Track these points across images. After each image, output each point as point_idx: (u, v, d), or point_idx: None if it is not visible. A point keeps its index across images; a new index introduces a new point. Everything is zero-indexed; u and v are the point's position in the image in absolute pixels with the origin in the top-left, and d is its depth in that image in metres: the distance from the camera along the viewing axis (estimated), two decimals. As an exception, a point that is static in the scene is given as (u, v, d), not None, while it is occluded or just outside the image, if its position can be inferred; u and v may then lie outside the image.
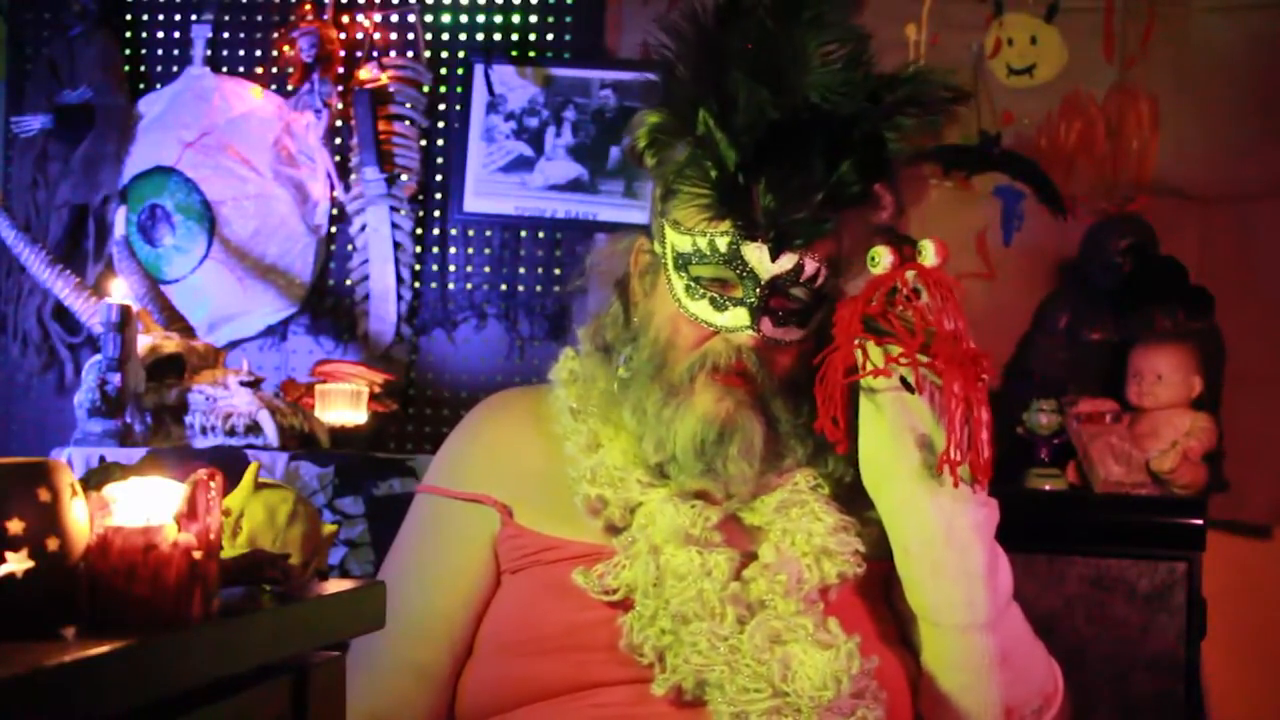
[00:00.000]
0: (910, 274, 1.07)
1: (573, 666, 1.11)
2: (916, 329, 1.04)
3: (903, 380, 1.06)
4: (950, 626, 1.09)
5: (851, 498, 1.15)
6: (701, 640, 1.05)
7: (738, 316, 1.13)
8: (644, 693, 1.08)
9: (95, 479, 0.72)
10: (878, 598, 1.17)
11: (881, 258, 1.08)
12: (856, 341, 1.07)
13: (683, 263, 1.15)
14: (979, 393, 1.04)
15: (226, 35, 3.11)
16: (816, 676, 1.03)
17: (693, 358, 1.15)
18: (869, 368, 1.06)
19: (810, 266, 1.12)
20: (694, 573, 1.09)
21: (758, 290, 1.12)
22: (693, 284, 1.15)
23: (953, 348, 1.03)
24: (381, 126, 2.95)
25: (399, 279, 2.96)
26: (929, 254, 1.07)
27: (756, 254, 1.12)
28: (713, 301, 1.14)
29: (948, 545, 1.07)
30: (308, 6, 3.01)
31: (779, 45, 1.12)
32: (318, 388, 2.62)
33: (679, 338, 1.16)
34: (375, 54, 3.00)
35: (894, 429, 1.07)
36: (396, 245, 2.96)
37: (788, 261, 1.12)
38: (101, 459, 2.09)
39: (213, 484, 0.67)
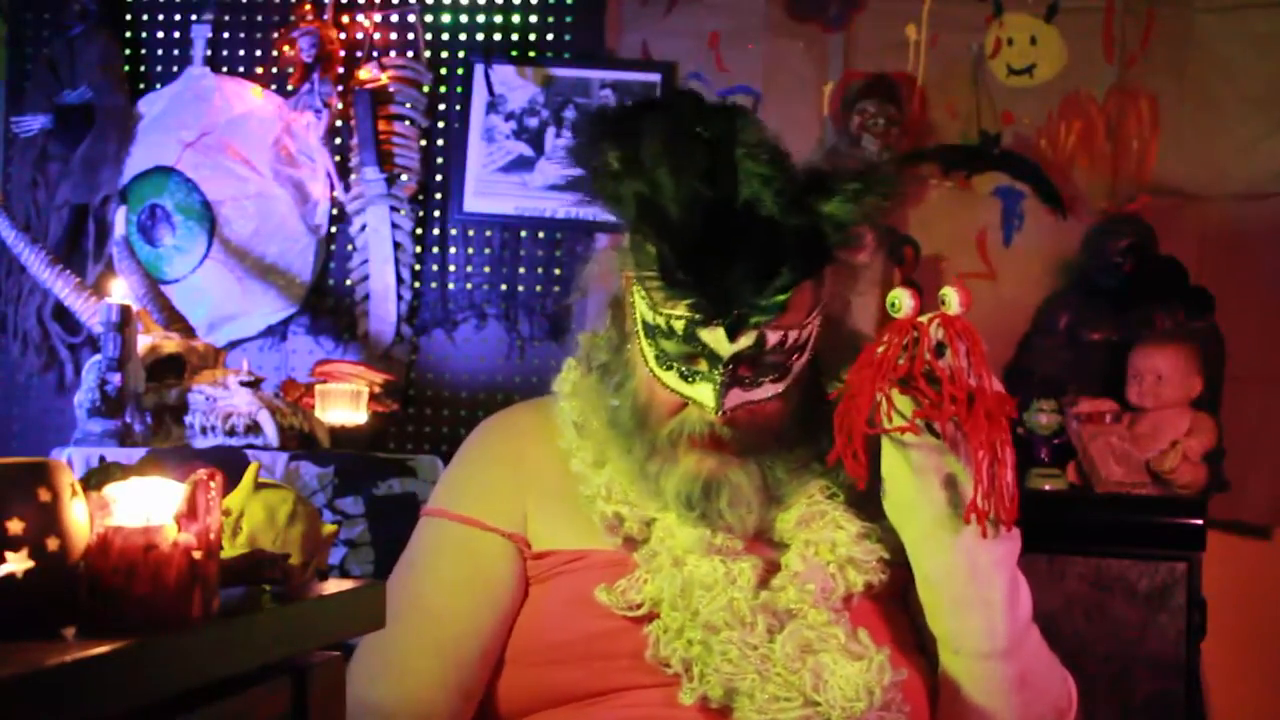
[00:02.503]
0: (934, 326, 1.04)
1: (597, 673, 1.11)
2: (945, 391, 1.02)
3: (928, 426, 1.04)
4: (970, 654, 1.09)
5: (869, 504, 1.15)
6: (732, 649, 1.05)
7: (704, 392, 1.11)
8: (672, 695, 1.08)
9: (95, 479, 0.72)
10: (895, 604, 1.17)
11: (902, 302, 1.05)
12: (879, 390, 1.05)
13: (650, 333, 1.14)
14: (1004, 433, 1.03)
15: (226, 35, 3.11)
16: (849, 687, 1.03)
17: (671, 425, 1.14)
18: (895, 420, 1.04)
19: (774, 337, 1.10)
20: (720, 582, 1.08)
21: (722, 367, 1.10)
22: (661, 354, 1.14)
23: (982, 405, 1.01)
24: (381, 126, 2.95)
25: (399, 279, 2.96)
26: (952, 303, 1.04)
27: (714, 336, 1.09)
28: (681, 374, 1.12)
29: (970, 580, 1.07)
30: (308, 6, 3.01)
31: (699, 142, 1.09)
32: (318, 388, 2.62)
33: (655, 400, 1.15)
34: (375, 54, 3.00)
35: (918, 471, 1.06)
36: (396, 245, 2.96)
37: (748, 339, 1.09)
38: (101, 459, 2.09)
39: (213, 484, 0.67)
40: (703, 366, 1.11)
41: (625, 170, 1.11)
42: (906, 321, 1.05)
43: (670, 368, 1.13)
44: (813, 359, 1.16)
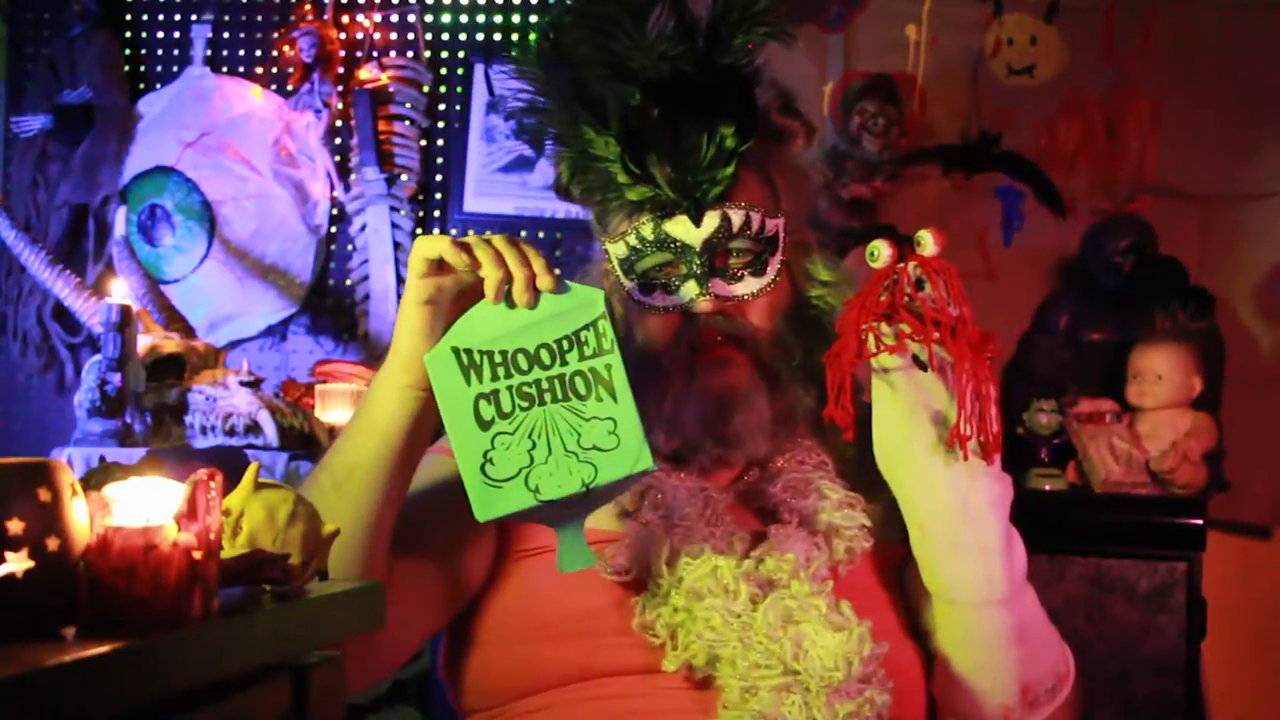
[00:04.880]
0: (912, 265, 1.06)
1: (583, 652, 1.11)
2: (927, 318, 1.04)
3: (915, 358, 1.06)
4: (967, 603, 1.10)
5: (857, 474, 1.17)
6: (715, 616, 1.06)
7: (689, 288, 1.18)
8: (654, 681, 1.09)
9: (95, 479, 0.72)
10: (890, 584, 1.18)
11: (880, 251, 1.08)
12: (865, 325, 1.07)
13: (628, 267, 1.21)
14: (987, 370, 1.04)
15: (226, 35, 3.11)
16: (828, 657, 1.04)
17: (671, 345, 1.19)
18: (884, 344, 1.07)
19: (737, 216, 1.18)
20: (707, 550, 1.10)
21: (698, 259, 1.17)
22: (643, 282, 1.21)
23: (962, 332, 1.04)
24: (381, 126, 2.95)
25: (399, 279, 2.96)
26: (928, 244, 1.06)
27: (681, 227, 1.17)
28: (664, 288, 1.20)
29: (965, 520, 1.07)
30: (308, 6, 3.01)
31: (610, 34, 1.18)
32: (318, 388, 2.62)
33: (652, 334, 1.20)
34: (375, 54, 3.00)
35: (909, 407, 1.07)
36: (396, 245, 2.96)
37: (712, 220, 1.17)
38: (101, 459, 2.09)
39: (213, 484, 0.67)
40: (683, 269, 1.19)
41: (562, 101, 1.20)
42: (885, 269, 1.07)
43: (654, 289, 1.20)
44: (789, 274, 1.23)
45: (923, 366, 1.06)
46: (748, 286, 1.19)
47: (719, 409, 1.17)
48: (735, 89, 1.19)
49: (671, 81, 1.16)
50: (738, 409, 1.17)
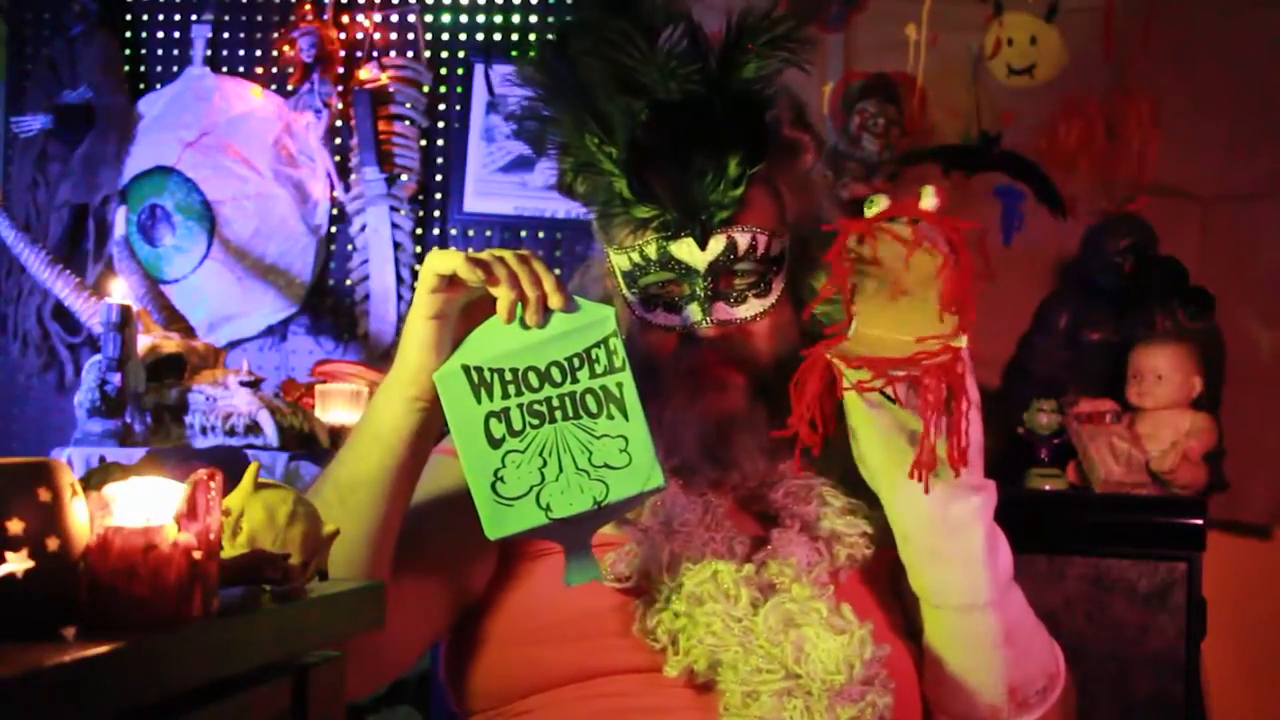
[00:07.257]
0: (904, 216, 1.06)
1: (584, 654, 1.12)
2: (912, 240, 1.03)
3: (882, 393, 1.06)
4: (952, 608, 1.10)
5: (857, 481, 1.16)
6: (716, 621, 1.06)
7: (692, 312, 1.17)
8: (655, 681, 1.09)
9: (95, 479, 0.72)
10: (886, 587, 1.19)
11: (879, 201, 1.07)
12: (829, 355, 1.07)
13: (630, 280, 1.19)
14: (960, 382, 1.04)
15: (226, 35, 3.11)
16: (830, 660, 1.04)
17: (670, 364, 1.18)
18: (846, 387, 1.06)
19: (743, 240, 1.16)
20: (707, 556, 1.10)
21: (701, 281, 1.16)
22: (646, 297, 1.19)
23: (953, 270, 1.03)
24: (381, 126, 2.95)
25: (399, 279, 2.96)
26: (928, 197, 1.06)
27: (686, 249, 1.15)
28: (667, 305, 1.18)
29: (946, 531, 1.07)
30: (308, 6, 3.01)
31: (621, 48, 1.16)
32: (318, 388, 2.62)
33: (652, 351, 1.19)
34: (375, 54, 3.00)
35: (883, 431, 1.07)
36: (396, 245, 2.97)
37: (717, 244, 1.15)
38: (101, 459, 2.09)
39: (213, 484, 0.67)
40: (685, 290, 1.17)
41: (569, 109, 1.18)
42: (881, 212, 1.06)
43: (656, 306, 1.18)
44: (793, 290, 1.21)
45: (890, 399, 1.06)
46: (751, 309, 1.18)
47: (718, 432, 1.16)
48: (747, 114, 1.16)
49: (681, 103, 1.14)
50: (736, 431, 1.16)
